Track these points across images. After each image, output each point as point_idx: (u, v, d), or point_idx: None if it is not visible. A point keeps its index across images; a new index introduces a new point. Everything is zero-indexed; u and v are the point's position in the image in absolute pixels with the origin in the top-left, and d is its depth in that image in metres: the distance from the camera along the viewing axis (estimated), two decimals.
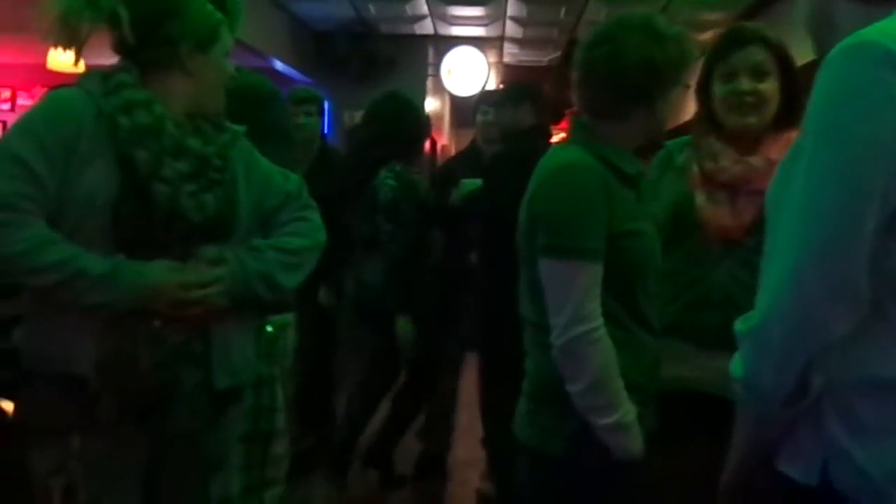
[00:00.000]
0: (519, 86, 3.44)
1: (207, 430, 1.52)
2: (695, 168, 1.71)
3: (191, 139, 1.45)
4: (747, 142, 1.67)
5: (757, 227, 1.49)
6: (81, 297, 1.33)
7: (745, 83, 1.65)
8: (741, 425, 1.07)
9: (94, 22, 1.41)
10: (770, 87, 1.65)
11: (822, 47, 1.02)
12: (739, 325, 0.97)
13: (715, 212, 1.66)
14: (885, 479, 0.90)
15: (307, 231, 1.63)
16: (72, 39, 1.41)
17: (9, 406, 1.82)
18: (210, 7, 1.49)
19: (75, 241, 1.35)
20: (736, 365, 0.98)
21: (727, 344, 1.02)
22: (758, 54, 1.65)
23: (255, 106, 1.86)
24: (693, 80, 1.55)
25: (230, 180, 1.50)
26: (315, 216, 1.67)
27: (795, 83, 1.64)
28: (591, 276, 1.35)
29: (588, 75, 1.46)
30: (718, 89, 1.69)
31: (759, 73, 1.65)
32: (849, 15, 0.98)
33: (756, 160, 1.64)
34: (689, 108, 1.86)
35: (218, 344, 1.48)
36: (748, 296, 1.00)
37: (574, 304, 1.34)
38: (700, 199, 1.68)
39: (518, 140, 2.85)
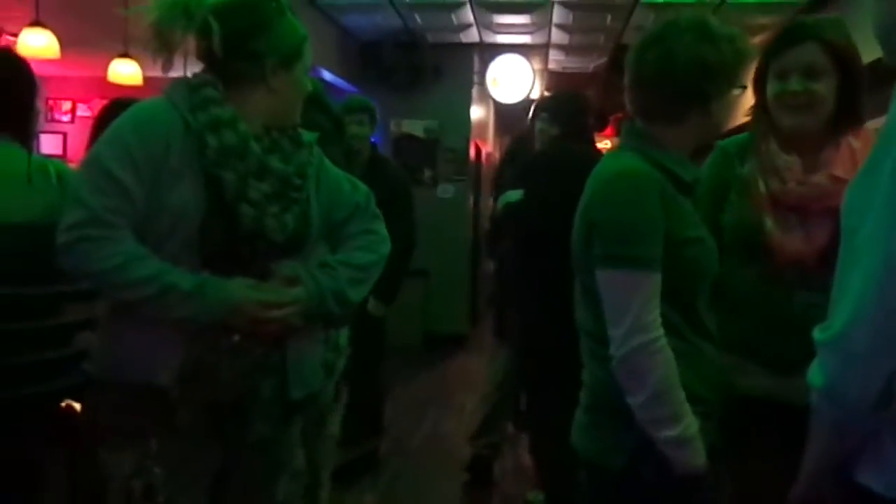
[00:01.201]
0: (540, 99, 3.45)
1: (277, 437, 1.55)
2: (761, 187, 1.64)
3: (272, 159, 1.46)
4: (805, 143, 1.62)
5: (832, 249, 1.45)
6: (169, 311, 1.36)
7: (797, 83, 1.59)
8: (817, 435, 1.04)
9: (186, 31, 1.43)
10: (824, 87, 1.58)
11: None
12: (818, 334, 0.95)
13: (788, 238, 1.60)
14: None
15: (374, 245, 1.64)
16: (164, 47, 1.44)
17: (78, 408, 1.88)
18: (297, 24, 1.51)
19: (161, 254, 1.38)
20: (814, 374, 0.96)
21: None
22: (812, 53, 1.59)
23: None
24: (750, 81, 1.51)
25: (307, 196, 1.52)
26: (381, 228, 1.68)
27: (854, 83, 1.58)
28: (650, 285, 1.33)
29: (640, 78, 1.45)
30: (771, 87, 1.64)
31: (812, 73, 1.58)
32: None
33: (821, 178, 1.59)
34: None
35: (293, 356, 1.51)
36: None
37: (633, 315, 1.32)
38: (769, 223, 1.61)
39: (546, 149, 2.87)
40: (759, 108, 1.70)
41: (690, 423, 1.33)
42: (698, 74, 1.38)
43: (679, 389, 1.33)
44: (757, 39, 5.62)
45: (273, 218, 1.44)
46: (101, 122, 2.39)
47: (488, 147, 8.70)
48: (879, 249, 0.88)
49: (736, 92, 1.44)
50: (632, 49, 1.47)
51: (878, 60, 1.10)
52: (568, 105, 2.90)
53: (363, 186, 1.69)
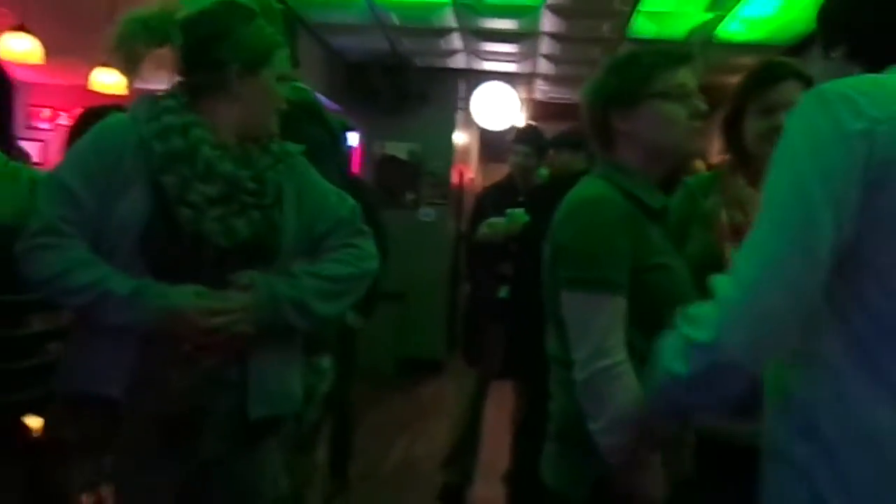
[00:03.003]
0: (578, 133, 3.51)
1: (241, 459, 1.50)
2: (723, 217, 1.67)
3: (225, 163, 1.44)
4: None
5: None
6: (108, 316, 1.37)
7: (784, 118, 1.63)
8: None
9: (149, 45, 1.45)
10: None
11: None
12: (693, 333, 1.01)
13: None
14: None
15: (354, 259, 1.59)
16: (128, 62, 1.45)
17: (37, 423, 1.83)
18: (267, 30, 1.49)
19: (113, 261, 1.39)
20: (673, 360, 1.04)
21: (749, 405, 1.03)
22: (796, 90, 1.62)
23: (294, 120, 1.86)
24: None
25: (272, 204, 1.49)
26: (366, 244, 1.63)
27: None
28: (612, 308, 1.33)
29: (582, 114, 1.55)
30: (754, 125, 1.67)
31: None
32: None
33: None
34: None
35: (255, 372, 1.47)
36: None
37: (595, 338, 1.32)
38: (730, 252, 1.62)
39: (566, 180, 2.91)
40: (733, 148, 1.73)
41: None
42: (600, 103, 1.47)
43: (642, 417, 1.29)
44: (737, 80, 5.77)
45: (216, 221, 1.41)
46: (75, 131, 2.38)
47: (471, 172, 8.74)
48: (755, 261, 0.97)
49: (657, 102, 1.44)
50: None
51: None
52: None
53: (350, 201, 1.65)
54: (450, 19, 5.58)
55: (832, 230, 0.95)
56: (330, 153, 2.13)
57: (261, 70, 1.48)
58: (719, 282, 1.02)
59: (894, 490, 0.97)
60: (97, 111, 2.37)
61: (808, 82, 1.63)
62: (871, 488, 0.97)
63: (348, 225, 1.61)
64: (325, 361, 2.37)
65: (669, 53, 1.47)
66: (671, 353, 1.05)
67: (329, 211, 1.59)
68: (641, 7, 4.94)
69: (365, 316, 3.36)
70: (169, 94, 1.48)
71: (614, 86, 1.47)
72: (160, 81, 1.52)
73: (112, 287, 1.36)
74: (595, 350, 1.31)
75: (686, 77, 1.46)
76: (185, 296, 1.38)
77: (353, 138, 6.93)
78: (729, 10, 4.84)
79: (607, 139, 1.49)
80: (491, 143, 8.66)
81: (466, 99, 7.15)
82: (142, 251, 1.39)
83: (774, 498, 1.08)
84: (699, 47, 5.36)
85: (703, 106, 1.44)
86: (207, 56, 1.45)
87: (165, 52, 1.48)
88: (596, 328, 1.32)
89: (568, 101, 7.87)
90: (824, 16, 1.20)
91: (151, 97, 1.48)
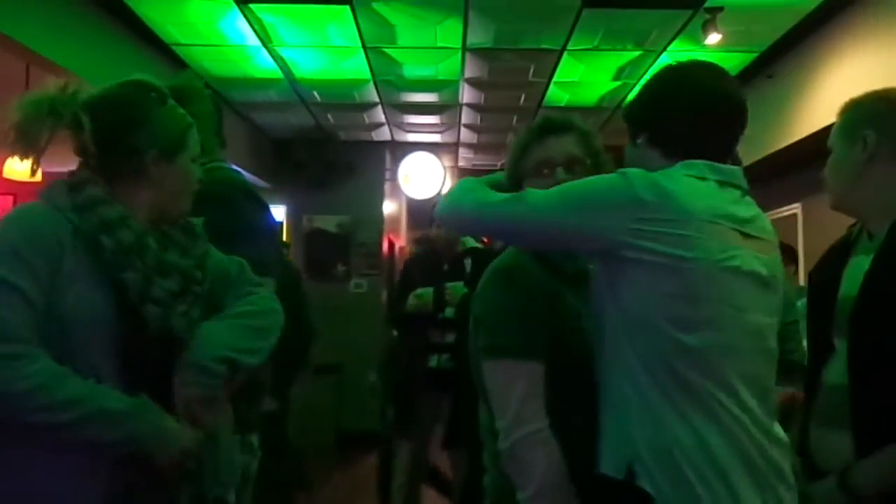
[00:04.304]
0: None
1: None
2: None
3: (170, 254, 1.39)
4: None
5: None
6: (98, 435, 1.24)
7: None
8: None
9: (55, 130, 1.34)
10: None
11: None
12: (466, 200, 1.41)
13: None
14: None
15: (255, 300, 1.51)
16: (30, 147, 1.32)
17: None
18: (179, 111, 1.45)
19: (74, 364, 1.25)
20: (459, 197, 1.43)
21: None
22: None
23: (234, 200, 1.82)
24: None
25: (209, 288, 1.44)
26: (264, 291, 1.56)
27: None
28: (530, 375, 1.34)
29: None
30: None
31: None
32: (656, 165, 1.35)
33: None
34: None
35: (209, 461, 1.41)
36: None
37: (515, 405, 1.32)
38: None
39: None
40: None
41: None
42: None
43: (567, 483, 1.30)
44: None
45: (181, 317, 1.35)
46: None
47: (401, 241, 8.81)
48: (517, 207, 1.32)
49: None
50: None
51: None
52: None
53: (236, 258, 1.57)
54: (372, 95, 5.72)
55: (558, 235, 1.33)
56: (268, 232, 2.14)
57: (178, 154, 1.43)
58: (495, 195, 1.38)
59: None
60: None
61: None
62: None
63: (237, 280, 1.54)
64: (255, 440, 2.33)
65: (535, 129, 1.54)
66: (464, 195, 1.41)
67: (223, 276, 1.53)
68: (555, 78, 5.19)
69: (279, 399, 3.31)
70: (86, 180, 1.36)
71: (509, 167, 1.56)
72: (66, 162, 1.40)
73: (106, 403, 1.24)
74: (515, 417, 1.31)
75: (554, 148, 1.51)
76: (180, 430, 1.31)
77: (278, 213, 6.95)
78: (633, 79, 5.13)
79: None
80: (419, 211, 8.79)
81: (393, 169, 7.27)
82: (115, 353, 1.29)
83: None
84: (612, 112, 5.62)
85: (562, 176, 1.48)
86: (123, 143, 1.37)
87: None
88: (515, 395, 1.32)
89: (492, 168, 8.10)
90: (628, 113, 1.45)
91: (66, 183, 1.36)
